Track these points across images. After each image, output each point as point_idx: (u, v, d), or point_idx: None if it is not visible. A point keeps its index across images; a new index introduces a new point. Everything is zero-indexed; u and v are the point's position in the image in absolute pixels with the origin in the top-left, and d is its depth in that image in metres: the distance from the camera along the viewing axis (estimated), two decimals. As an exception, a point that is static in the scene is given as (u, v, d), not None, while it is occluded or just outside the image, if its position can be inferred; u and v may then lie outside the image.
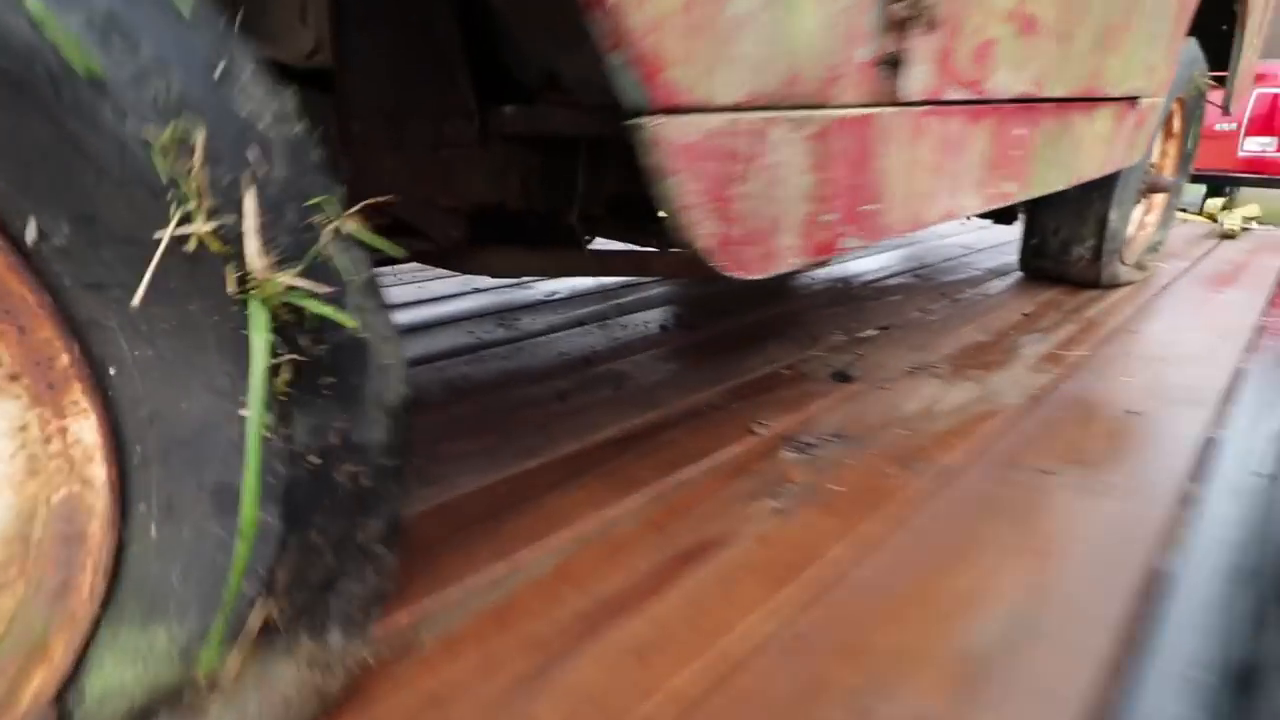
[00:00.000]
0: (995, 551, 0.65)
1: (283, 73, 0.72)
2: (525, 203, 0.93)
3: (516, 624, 0.54)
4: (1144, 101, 1.33)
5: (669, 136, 0.44)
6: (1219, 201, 3.06)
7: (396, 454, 0.41)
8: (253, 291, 0.30)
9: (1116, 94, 1.15)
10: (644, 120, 0.44)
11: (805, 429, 0.91)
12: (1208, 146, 3.28)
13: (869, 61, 0.59)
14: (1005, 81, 0.81)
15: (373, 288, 0.38)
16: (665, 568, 0.61)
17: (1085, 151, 1.14)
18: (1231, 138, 3.66)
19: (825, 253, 0.63)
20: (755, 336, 1.32)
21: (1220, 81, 2.00)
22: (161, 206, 0.28)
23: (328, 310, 0.33)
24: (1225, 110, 2.08)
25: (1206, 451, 0.87)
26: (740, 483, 0.77)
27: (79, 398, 0.31)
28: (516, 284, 1.77)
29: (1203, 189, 3.77)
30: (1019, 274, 1.92)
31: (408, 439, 0.41)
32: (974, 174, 0.83)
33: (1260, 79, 3.61)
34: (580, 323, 1.40)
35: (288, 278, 0.31)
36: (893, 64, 0.62)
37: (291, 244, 0.32)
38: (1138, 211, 1.91)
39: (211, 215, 0.29)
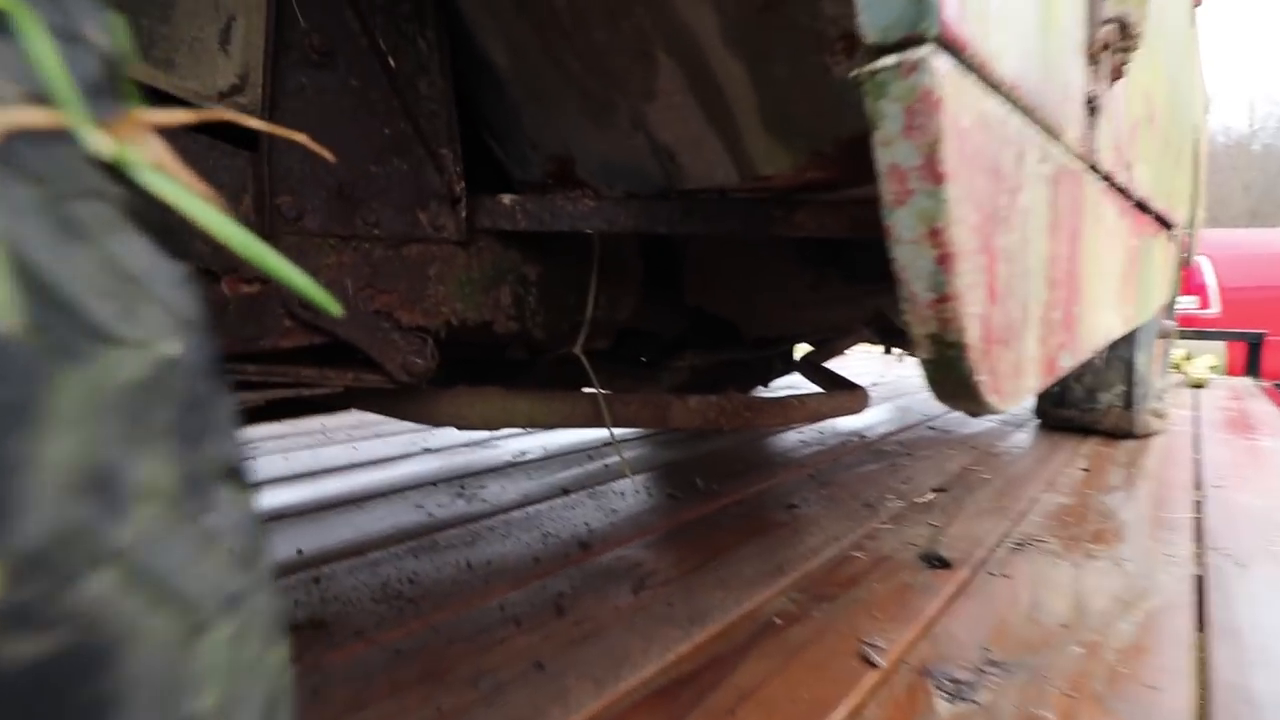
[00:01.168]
0: None
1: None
2: (519, 325, 0.69)
3: None
4: (1178, 232, 1.26)
5: (951, 100, 0.21)
6: (1183, 350, 3.15)
7: None
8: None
9: (1173, 220, 1.06)
10: (917, 58, 0.20)
11: (939, 651, 0.61)
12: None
13: (1079, 95, 0.41)
14: (1140, 174, 0.65)
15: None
16: None
17: (1157, 280, 1.02)
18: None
19: (1050, 374, 0.39)
20: (794, 504, 1.05)
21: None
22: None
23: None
24: (1186, 265, 2.14)
25: None
26: (899, 770, 0.45)
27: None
28: (476, 442, 1.47)
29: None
30: (1034, 423, 1.78)
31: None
32: (1118, 284, 0.65)
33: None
34: (564, 490, 1.10)
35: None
36: (1091, 109, 0.44)
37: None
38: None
39: None
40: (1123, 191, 0.61)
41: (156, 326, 0.11)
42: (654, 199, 0.63)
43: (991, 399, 0.28)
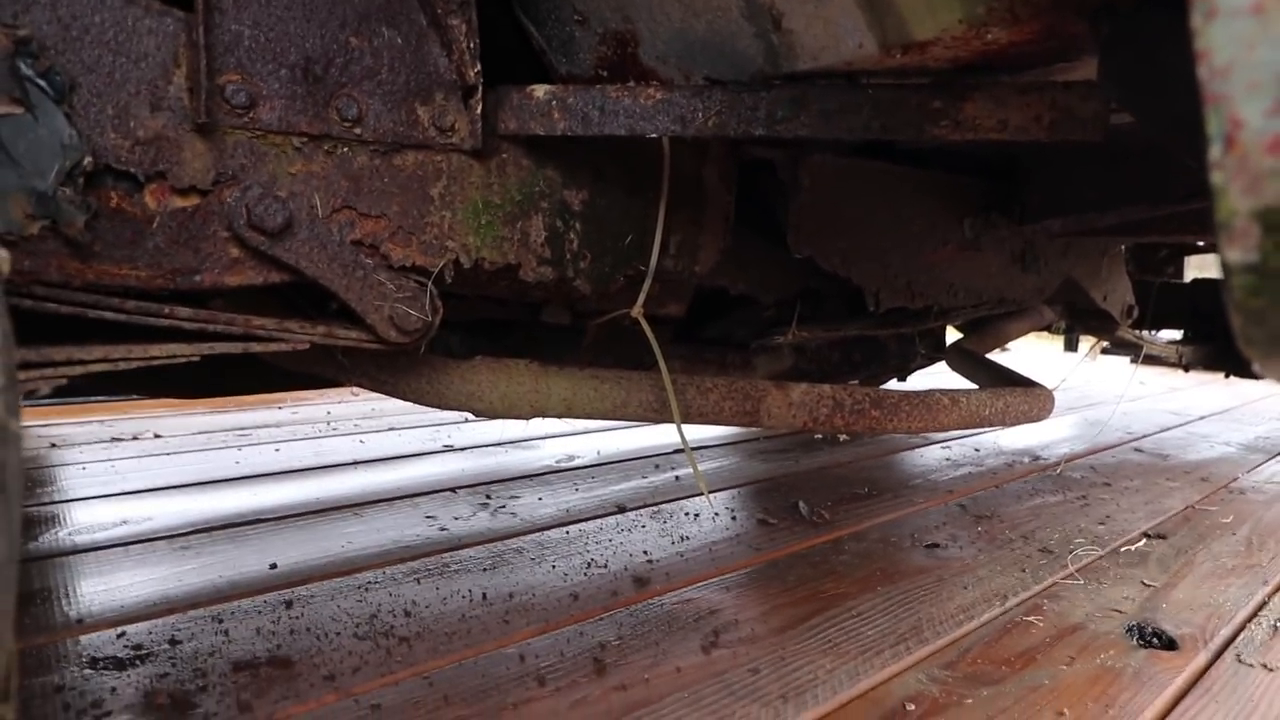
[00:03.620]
0: None
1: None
2: (555, 272, 0.62)
3: None
4: None
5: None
6: None
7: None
8: None
9: None
10: None
11: (1168, 775, 0.50)
12: None
13: None
14: None
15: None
16: None
17: None
18: None
19: None
20: (937, 544, 0.94)
21: None
22: None
23: None
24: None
25: None
26: None
27: None
28: (511, 441, 1.43)
29: None
30: (1294, 452, 1.57)
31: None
32: None
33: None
34: (620, 508, 1.04)
35: None
36: None
37: None
38: None
39: None
40: None
41: None
42: (750, 87, 0.55)
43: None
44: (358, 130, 0.52)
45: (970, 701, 0.59)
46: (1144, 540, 0.98)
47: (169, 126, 0.46)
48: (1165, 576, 0.86)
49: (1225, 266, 0.18)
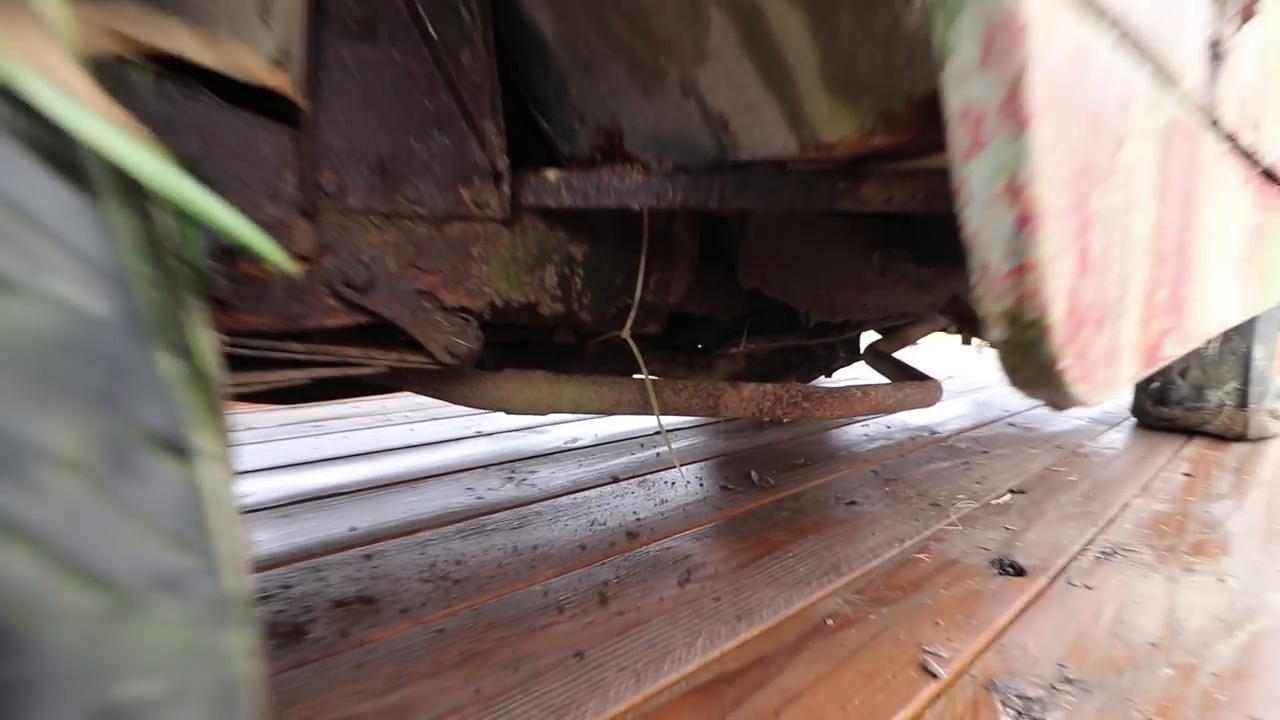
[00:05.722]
0: None
1: (230, 90, 0.50)
2: (564, 307, 0.68)
3: None
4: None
5: (1036, 23, 0.18)
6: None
7: None
8: None
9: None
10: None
11: (1010, 666, 0.57)
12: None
13: (1200, 36, 0.36)
14: (1270, 136, 0.58)
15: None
16: None
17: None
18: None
19: (1152, 362, 0.35)
20: (854, 502, 1.00)
21: None
22: None
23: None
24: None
25: None
26: (959, 793, 0.42)
27: None
28: (528, 427, 1.48)
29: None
30: (1130, 421, 1.65)
31: None
32: (1237, 266, 0.58)
33: None
34: (614, 478, 1.10)
35: None
36: (1215, 54, 0.38)
37: None
38: (1256, 353, 1.68)
39: None
40: (1248, 155, 0.54)
41: (66, 277, 0.10)
42: (706, 172, 0.60)
43: (1078, 389, 0.25)
44: (418, 209, 0.57)
45: (873, 617, 0.65)
46: (1009, 495, 1.05)
47: (283, 212, 0.51)
48: (1022, 522, 0.93)
49: (990, 341, 0.24)
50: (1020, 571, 0.76)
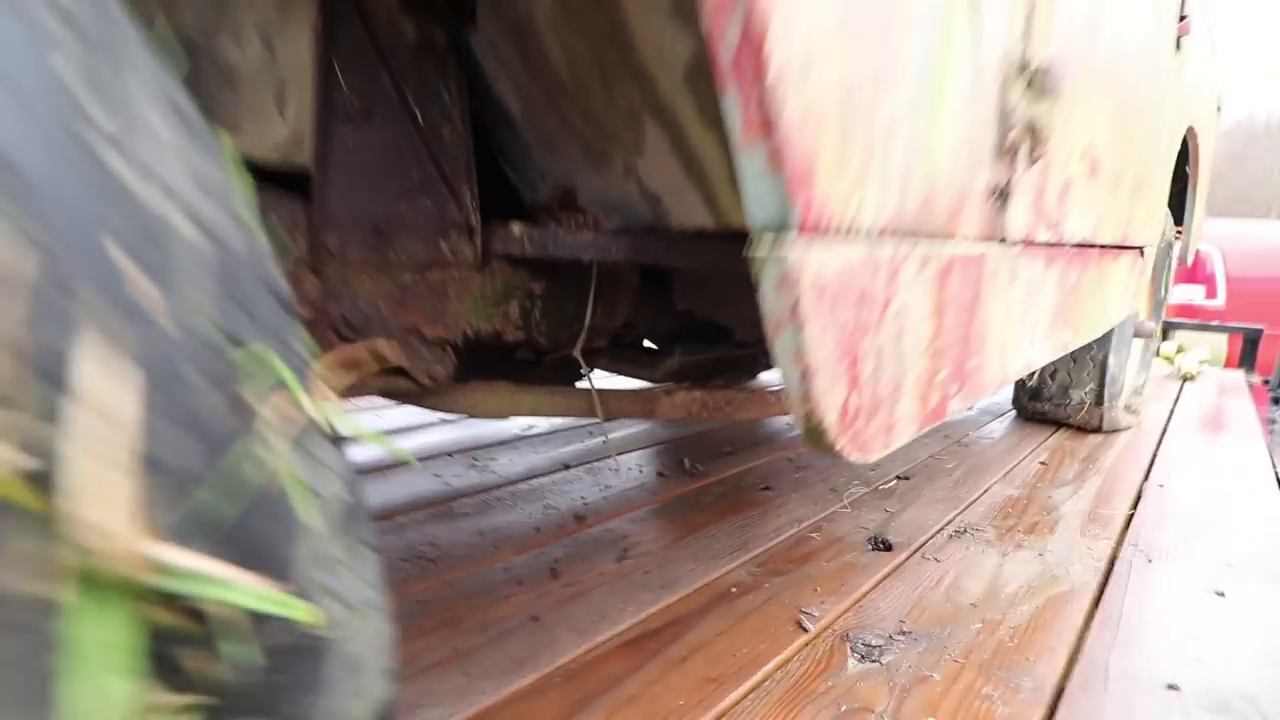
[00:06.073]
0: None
1: (251, 170, 0.59)
2: (525, 334, 0.79)
3: None
4: (1148, 251, 1.33)
5: (809, 269, 0.31)
6: (1173, 345, 3.19)
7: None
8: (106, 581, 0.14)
9: (1137, 243, 1.13)
10: (781, 245, 0.30)
11: (864, 622, 0.73)
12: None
13: (984, 191, 0.50)
14: (1075, 224, 0.74)
15: (357, 521, 0.21)
16: None
17: (1114, 299, 1.09)
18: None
19: (935, 419, 0.49)
20: (768, 486, 1.16)
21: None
22: None
23: (263, 602, 0.16)
24: (1183, 262, 2.19)
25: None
26: (807, 715, 0.58)
27: None
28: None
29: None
30: (1012, 413, 1.87)
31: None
32: (1045, 323, 0.74)
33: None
34: (565, 465, 1.23)
35: (163, 553, 0.14)
36: (1002, 197, 0.53)
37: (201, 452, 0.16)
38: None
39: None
40: (1053, 244, 0.69)
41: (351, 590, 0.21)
42: (643, 234, 0.72)
43: (855, 456, 0.39)
44: (404, 259, 0.67)
45: (767, 585, 0.80)
46: (895, 481, 1.23)
47: (295, 268, 0.60)
48: (900, 505, 1.10)
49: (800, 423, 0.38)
50: (889, 547, 0.93)
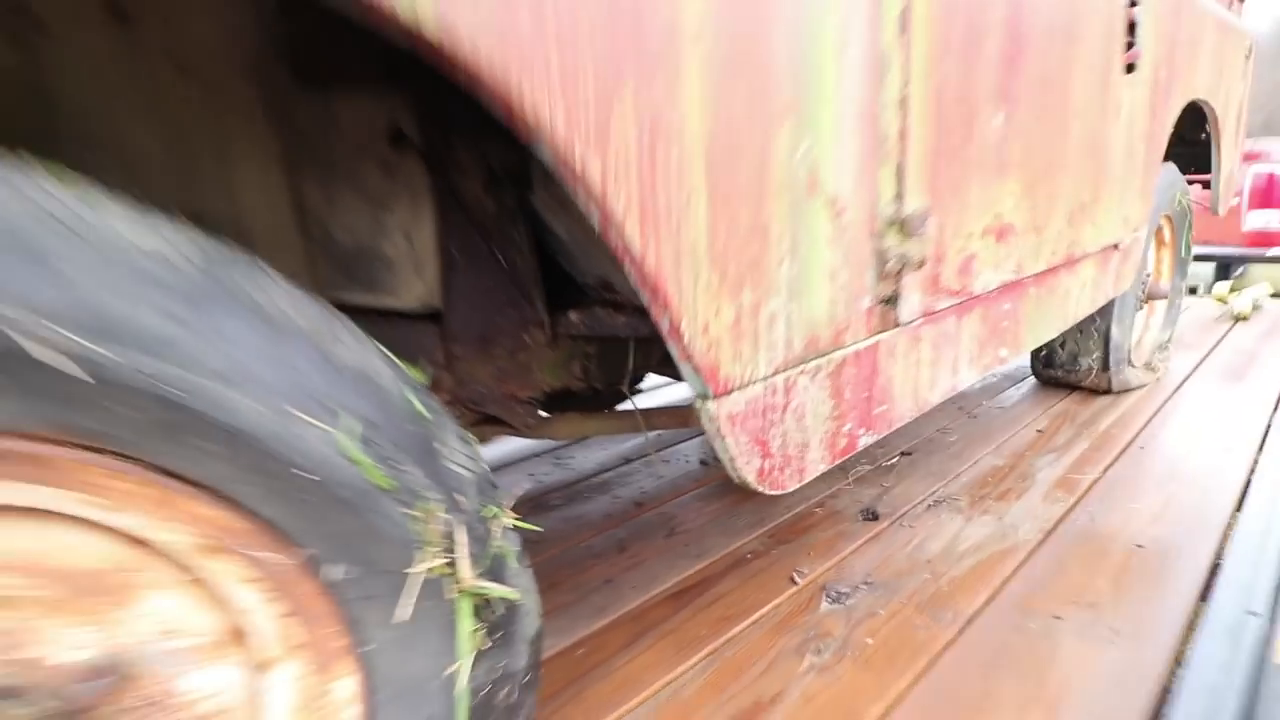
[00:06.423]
0: (1008, 707, 0.76)
1: (402, 316, 0.93)
2: (585, 382, 1.11)
3: (612, 789, 0.66)
4: (1126, 241, 1.49)
5: (724, 412, 0.61)
6: (1227, 285, 3.16)
7: (532, 672, 0.56)
8: (461, 593, 0.46)
9: (1096, 249, 1.32)
10: (707, 404, 0.60)
11: (839, 576, 1.03)
12: (1214, 224, 3.43)
13: (870, 307, 0.77)
14: (987, 279, 0.97)
15: (520, 559, 0.54)
16: (729, 731, 0.74)
17: (1074, 300, 1.30)
18: (1234, 213, 3.81)
19: (846, 454, 0.78)
20: (788, 469, 1.45)
21: (1206, 185, 2.19)
22: (418, 552, 0.45)
23: (502, 593, 0.49)
24: (1215, 212, 2.24)
25: (1209, 586, 0.97)
26: (786, 638, 0.89)
27: (347, 664, 0.46)
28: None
29: (1210, 268, 3.88)
30: (1031, 378, 2.05)
31: (539, 660, 0.56)
32: (969, 354, 0.99)
33: (1253, 158, 3.79)
34: (626, 459, 1.56)
35: (481, 582, 0.47)
36: (891, 301, 0.79)
37: (479, 549, 0.49)
38: (1139, 318, 2.05)
39: (439, 553, 0.45)
40: (961, 303, 0.94)
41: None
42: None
43: (771, 492, 0.68)
44: (501, 351, 1.00)
45: (774, 552, 1.11)
46: (899, 456, 1.49)
47: (437, 371, 0.94)
48: (895, 480, 1.37)
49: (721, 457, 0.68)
50: (875, 517, 1.21)
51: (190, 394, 0.36)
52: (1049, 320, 1.21)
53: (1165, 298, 2.00)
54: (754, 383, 0.64)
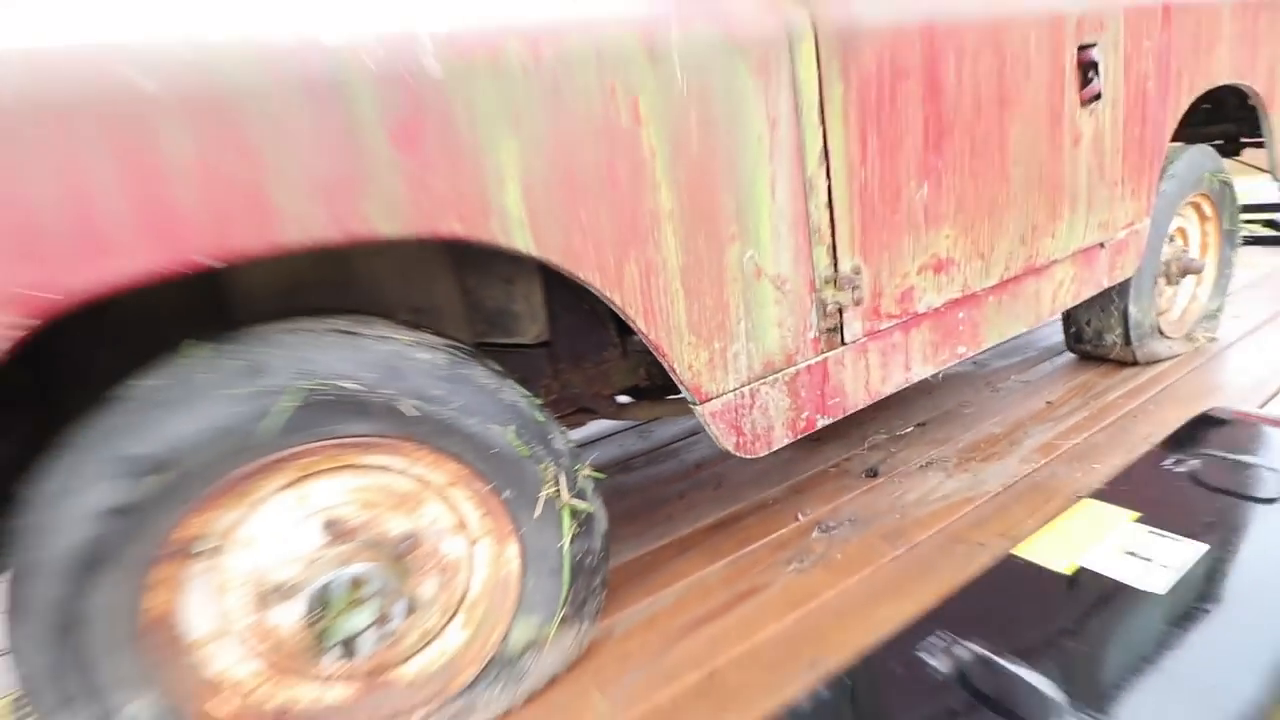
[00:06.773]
0: (914, 597, 1.15)
1: (526, 346, 1.44)
2: (650, 381, 1.58)
3: (664, 623, 1.15)
4: (1119, 236, 1.72)
5: (707, 411, 1.06)
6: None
7: (604, 550, 1.05)
8: (563, 505, 0.96)
9: (1066, 254, 1.58)
10: (696, 407, 1.06)
11: (831, 515, 1.44)
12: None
13: (816, 336, 1.17)
14: (930, 300, 1.33)
15: (594, 490, 1.03)
16: (730, 602, 1.20)
17: (1047, 298, 1.58)
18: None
19: (806, 430, 1.20)
20: (818, 438, 1.85)
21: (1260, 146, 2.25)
22: (543, 485, 0.95)
23: (587, 507, 0.99)
24: (1276, 178, 2.28)
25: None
26: (783, 553, 1.33)
27: (512, 539, 0.98)
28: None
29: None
30: (1066, 353, 2.25)
31: (608, 544, 1.06)
32: (921, 355, 1.35)
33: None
34: (694, 432, 2.02)
35: (573, 500, 0.97)
36: (835, 330, 1.19)
37: (571, 484, 0.98)
38: (1188, 286, 2.18)
39: (552, 485, 0.95)
40: (905, 321, 1.31)
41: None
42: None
43: (748, 457, 1.12)
44: (589, 365, 1.48)
45: (790, 499, 1.53)
46: (914, 428, 1.83)
47: (551, 385, 1.45)
48: (902, 448, 1.73)
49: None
50: (875, 475, 1.60)
51: (450, 419, 0.87)
52: (1016, 318, 1.52)
53: (1198, 272, 2.13)
54: (726, 393, 1.08)
